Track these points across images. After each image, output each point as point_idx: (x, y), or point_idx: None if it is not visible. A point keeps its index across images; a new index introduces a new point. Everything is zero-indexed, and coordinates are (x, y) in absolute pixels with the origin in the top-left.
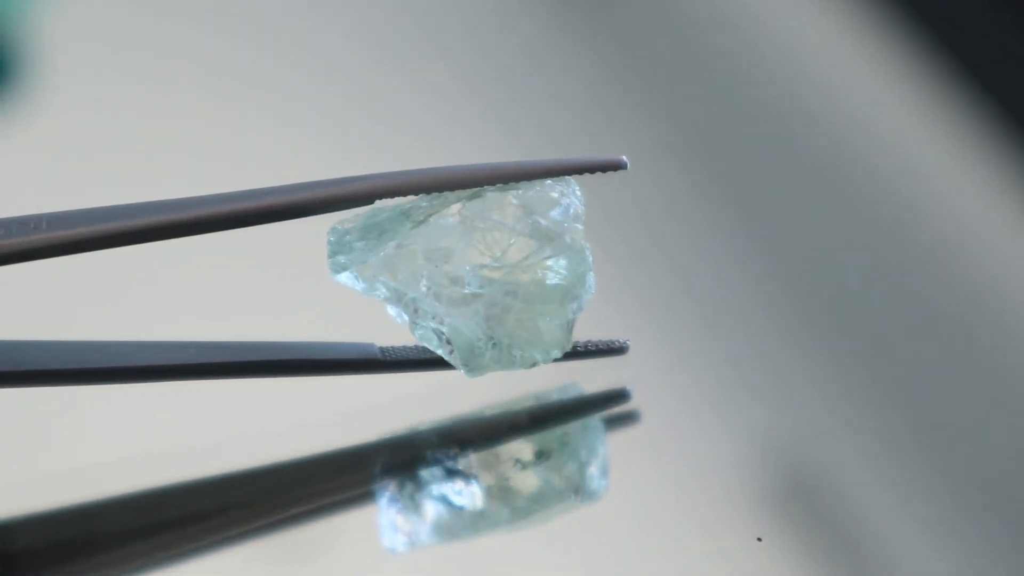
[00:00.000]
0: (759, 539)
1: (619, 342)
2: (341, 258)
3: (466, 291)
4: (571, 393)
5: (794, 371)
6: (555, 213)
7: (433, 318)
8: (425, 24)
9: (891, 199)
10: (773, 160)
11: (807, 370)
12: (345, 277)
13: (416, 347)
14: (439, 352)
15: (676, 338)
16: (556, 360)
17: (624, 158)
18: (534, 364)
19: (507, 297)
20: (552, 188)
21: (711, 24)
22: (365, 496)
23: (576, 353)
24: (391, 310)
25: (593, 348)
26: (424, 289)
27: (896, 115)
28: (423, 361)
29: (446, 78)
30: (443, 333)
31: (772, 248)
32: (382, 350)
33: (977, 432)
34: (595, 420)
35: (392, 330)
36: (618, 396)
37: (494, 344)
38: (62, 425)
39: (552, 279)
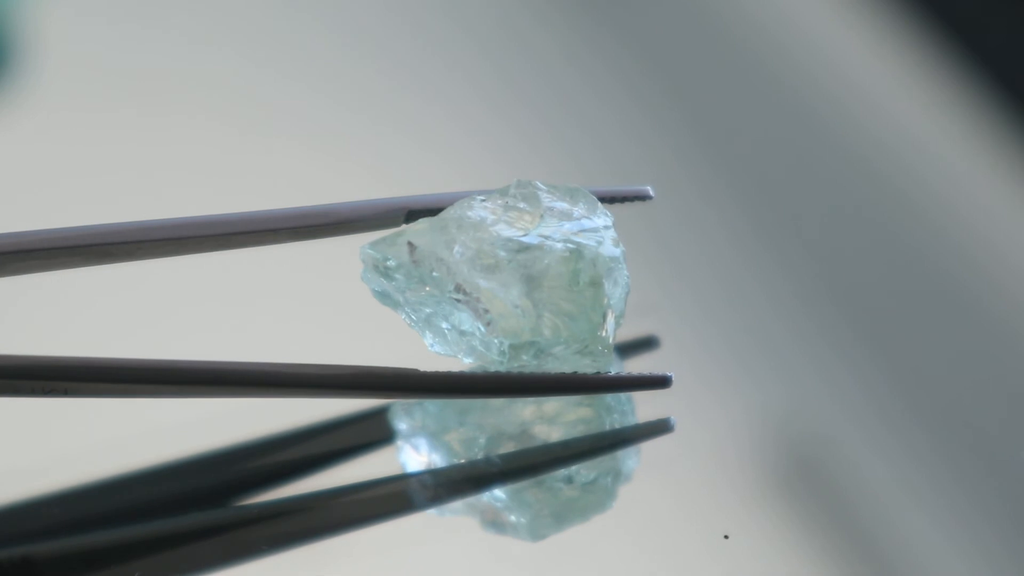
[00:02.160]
0: (726, 536)
1: (661, 375)
2: (369, 247)
3: (498, 257)
4: (613, 421)
5: (803, 356)
6: (584, 204)
7: (466, 286)
8: (452, 46)
9: (912, 201)
10: (791, 169)
11: (827, 369)
12: (373, 250)
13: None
14: (476, 342)
15: (699, 334)
16: (598, 386)
17: (649, 188)
18: (579, 348)
19: (538, 264)
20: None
21: (738, 43)
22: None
23: (618, 385)
24: (418, 324)
25: (636, 380)
26: (458, 255)
27: (915, 123)
28: (462, 386)
29: (471, 101)
30: (479, 302)
31: (794, 251)
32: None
33: (981, 408)
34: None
35: (430, 360)
36: (661, 427)
37: (533, 308)
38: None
39: (582, 250)
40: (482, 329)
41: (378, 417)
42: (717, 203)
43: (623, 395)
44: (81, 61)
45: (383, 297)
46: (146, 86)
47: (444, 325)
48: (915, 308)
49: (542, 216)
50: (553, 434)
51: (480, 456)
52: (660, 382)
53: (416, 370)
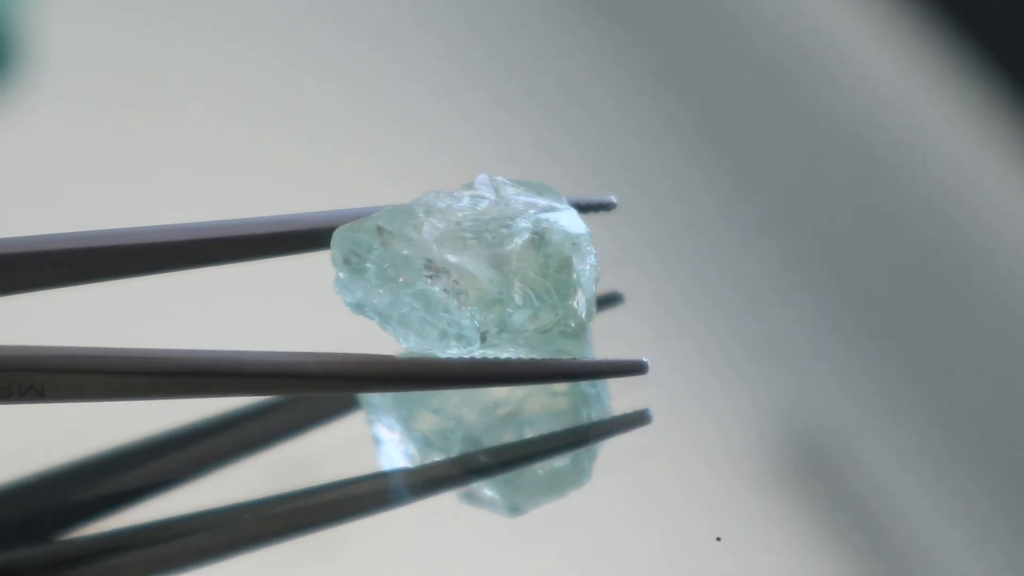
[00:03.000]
0: (718, 539)
1: (637, 360)
2: (339, 231)
3: (466, 238)
4: (590, 413)
5: (804, 345)
6: (548, 197)
7: (437, 262)
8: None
9: (890, 167)
10: (777, 138)
11: (818, 345)
12: (343, 234)
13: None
14: (447, 323)
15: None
16: (575, 374)
17: (614, 198)
18: (552, 319)
19: (506, 244)
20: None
21: (728, 26)
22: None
23: (593, 372)
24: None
25: (611, 366)
26: (427, 235)
27: (914, 110)
28: (437, 375)
29: (444, 106)
30: (450, 275)
31: (779, 226)
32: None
33: (989, 400)
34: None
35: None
36: (639, 418)
37: (503, 279)
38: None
39: (548, 232)
40: (454, 304)
41: (350, 408)
42: (708, 191)
43: (602, 391)
44: (83, 61)
45: (357, 308)
46: (148, 88)
47: (416, 316)
48: (918, 295)
49: (507, 204)
50: (528, 427)
51: (456, 451)
52: (636, 368)
53: (391, 357)
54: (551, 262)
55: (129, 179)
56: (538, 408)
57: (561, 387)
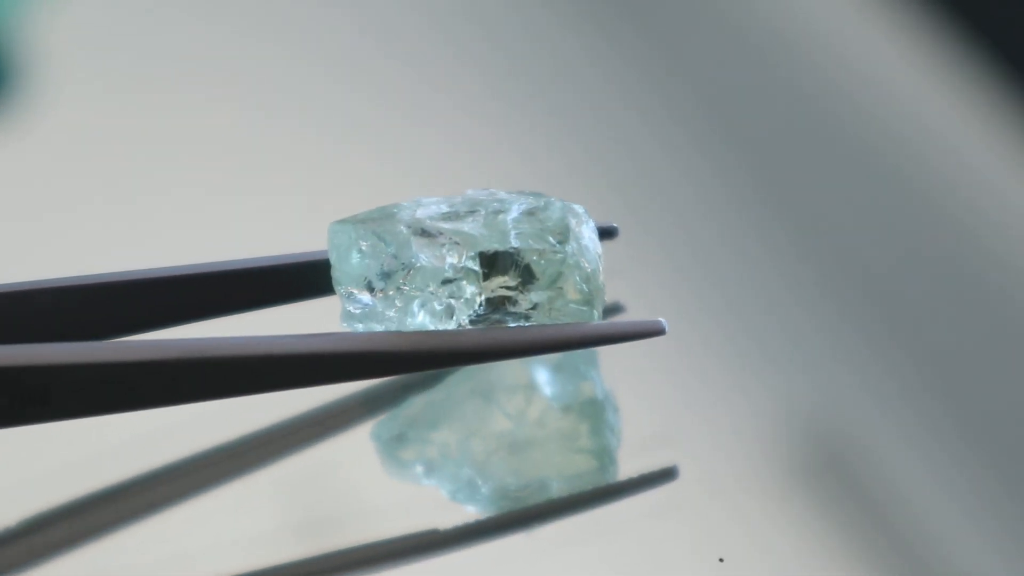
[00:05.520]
0: (720, 559)
1: (655, 322)
2: (336, 224)
3: (458, 214)
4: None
5: (822, 345)
6: (541, 198)
7: (431, 230)
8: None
9: (908, 166)
10: (793, 137)
11: (835, 344)
12: (338, 224)
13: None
14: (458, 287)
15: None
16: (591, 339)
17: (615, 224)
18: (555, 271)
19: (499, 217)
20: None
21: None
22: None
23: (611, 336)
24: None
25: (628, 330)
26: (420, 215)
27: (931, 111)
28: (446, 351)
29: (464, 95)
30: (456, 244)
31: (792, 221)
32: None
33: (1013, 403)
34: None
35: None
36: (665, 474)
37: (500, 231)
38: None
39: (541, 209)
40: (454, 261)
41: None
42: (723, 191)
43: (620, 438)
44: (82, 73)
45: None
46: (154, 98)
47: (427, 316)
48: (938, 298)
49: (499, 198)
50: (554, 485)
51: (482, 513)
52: (653, 330)
53: (397, 332)
54: (548, 228)
55: (130, 195)
56: (560, 461)
57: (586, 443)
